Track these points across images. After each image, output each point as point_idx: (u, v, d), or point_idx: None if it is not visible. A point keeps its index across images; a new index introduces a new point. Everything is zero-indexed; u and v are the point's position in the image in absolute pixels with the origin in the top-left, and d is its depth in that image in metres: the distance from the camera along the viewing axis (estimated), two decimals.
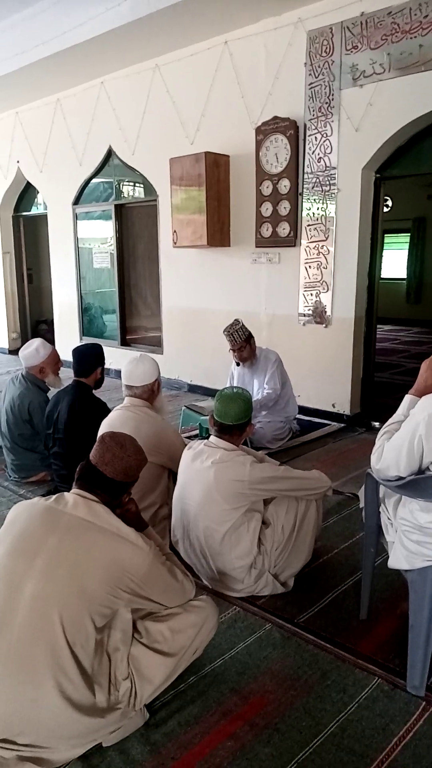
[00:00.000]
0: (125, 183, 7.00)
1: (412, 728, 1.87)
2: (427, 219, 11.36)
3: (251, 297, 5.67)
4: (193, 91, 5.72)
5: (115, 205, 7.04)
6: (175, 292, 6.49)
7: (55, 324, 8.46)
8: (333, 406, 5.23)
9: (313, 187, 4.97)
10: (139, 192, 6.91)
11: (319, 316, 5.14)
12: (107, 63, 6.16)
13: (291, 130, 4.96)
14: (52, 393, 3.85)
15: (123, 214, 7.10)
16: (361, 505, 2.38)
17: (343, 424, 5.14)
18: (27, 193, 8.76)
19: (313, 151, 4.91)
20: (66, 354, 3.91)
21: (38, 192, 8.35)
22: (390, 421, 2.12)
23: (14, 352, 8.60)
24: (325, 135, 4.82)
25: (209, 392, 6.00)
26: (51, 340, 6.82)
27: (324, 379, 5.21)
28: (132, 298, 7.37)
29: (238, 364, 4.54)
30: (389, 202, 10.99)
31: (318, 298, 5.12)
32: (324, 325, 5.13)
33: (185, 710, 1.95)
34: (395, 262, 11.89)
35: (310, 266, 5.13)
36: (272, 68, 5.08)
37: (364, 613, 2.43)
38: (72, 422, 3.38)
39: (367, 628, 2.37)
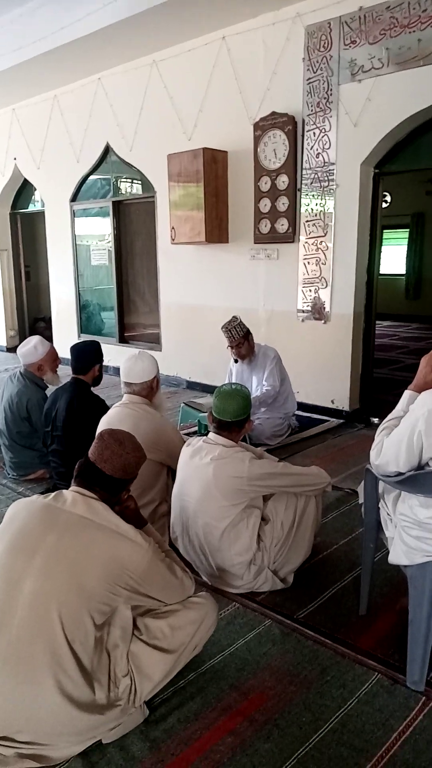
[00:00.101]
0: (123, 180, 6.98)
1: (412, 723, 1.87)
2: (426, 215, 11.34)
3: (250, 293, 5.66)
4: (190, 86, 5.70)
5: (113, 202, 7.02)
6: (173, 289, 6.47)
7: (53, 321, 8.44)
8: (332, 402, 5.23)
9: (311, 183, 4.96)
10: (136, 189, 6.89)
11: (317, 312, 5.14)
12: (104, 59, 6.14)
13: (289, 125, 4.95)
14: (50, 390, 3.85)
15: (121, 211, 7.08)
16: (361, 500, 2.37)
17: (342, 421, 5.14)
18: (24, 190, 8.74)
19: (312, 147, 4.90)
20: (64, 351, 3.90)
21: (35, 189, 8.33)
22: (389, 417, 2.11)
23: (12, 349, 8.60)
24: (323, 130, 4.80)
25: (208, 389, 6.00)
26: (49, 338, 6.84)
27: (323, 375, 5.21)
28: (130, 295, 7.36)
29: (236, 361, 4.53)
30: (388, 198, 10.97)
31: (317, 294, 5.11)
32: (323, 322, 5.13)
33: (185, 707, 1.95)
34: (394, 257, 11.87)
35: (308, 262, 5.12)
36: (270, 63, 5.06)
37: (364, 609, 2.43)
38: (70, 420, 3.38)
39: (367, 624, 2.37)
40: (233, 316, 4.36)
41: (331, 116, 4.73)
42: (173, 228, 5.84)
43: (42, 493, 2.00)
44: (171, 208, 5.81)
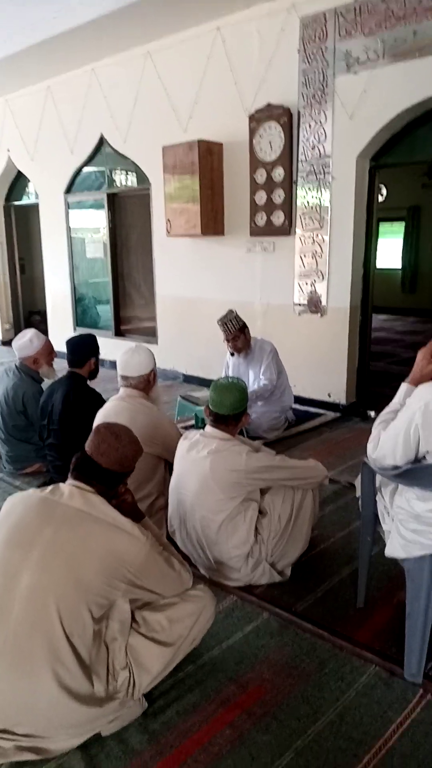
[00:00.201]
0: (117, 171, 6.93)
1: (410, 715, 1.88)
2: (422, 208, 11.31)
3: (246, 286, 5.64)
4: (185, 78, 5.66)
5: (108, 194, 6.97)
6: (169, 282, 6.45)
7: (48, 315, 8.40)
8: (329, 395, 5.24)
9: (307, 176, 4.94)
10: (131, 180, 6.84)
11: (314, 305, 5.13)
12: (98, 50, 6.08)
13: (285, 117, 4.92)
14: (46, 384, 3.83)
15: (116, 203, 7.04)
16: (358, 494, 2.38)
17: (338, 414, 5.14)
18: (18, 182, 8.66)
19: (307, 139, 4.87)
20: (60, 345, 3.88)
21: (29, 181, 8.27)
22: (386, 410, 2.12)
23: (7, 343, 8.55)
24: (319, 122, 4.78)
25: (204, 382, 5.99)
26: (44, 331, 6.82)
27: (319, 368, 5.21)
28: (126, 288, 7.33)
29: (232, 354, 4.53)
30: (384, 191, 10.94)
31: (313, 288, 5.10)
32: (319, 315, 5.12)
33: (183, 699, 1.96)
34: (390, 251, 11.85)
35: (305, 255, 5.10)
36: (265, 55, 5.03)
37: (361, 602, 2.44)
38: (66, 413, 3.37)
39: (365, 617, 2.38)
40: (229, 310, 4.35)
41: (326, 108, 4.70)
42: (169, 220, 5.81)
43: (39, 486, 1.99)
44: (166, 200, 5.77)
